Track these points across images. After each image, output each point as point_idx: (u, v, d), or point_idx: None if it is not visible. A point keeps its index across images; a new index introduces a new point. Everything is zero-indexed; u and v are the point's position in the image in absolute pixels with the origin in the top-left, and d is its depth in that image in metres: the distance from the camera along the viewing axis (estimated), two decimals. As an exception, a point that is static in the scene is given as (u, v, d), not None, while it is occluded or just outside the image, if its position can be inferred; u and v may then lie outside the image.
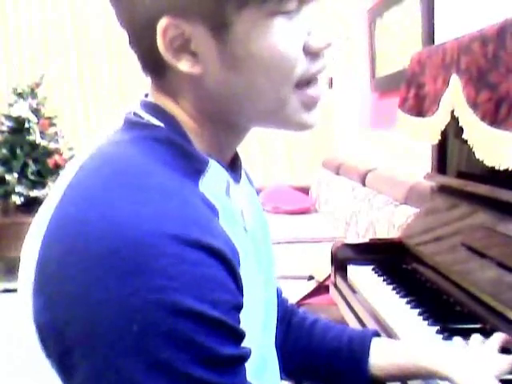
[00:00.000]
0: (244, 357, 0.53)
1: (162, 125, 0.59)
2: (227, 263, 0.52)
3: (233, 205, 0.63)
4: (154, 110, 0.61)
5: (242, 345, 0.54)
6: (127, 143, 0.58)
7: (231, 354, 0.51)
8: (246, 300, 0.56)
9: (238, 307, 0.54)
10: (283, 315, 0.89)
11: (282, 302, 0.90)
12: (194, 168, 0.58)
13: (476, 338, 0.89)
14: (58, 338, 0.50)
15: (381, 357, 0.83)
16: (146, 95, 0.65)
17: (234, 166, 0.67)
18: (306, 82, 0.59)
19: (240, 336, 0.53)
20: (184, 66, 0.57)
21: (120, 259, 0.47)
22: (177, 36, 0.55)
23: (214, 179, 0.60)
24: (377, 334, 0.87)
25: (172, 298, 0.47)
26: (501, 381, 0.78)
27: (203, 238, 0.50)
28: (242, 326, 0.55)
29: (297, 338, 0.88)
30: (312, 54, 0.58)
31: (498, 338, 0.87)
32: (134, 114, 0.61)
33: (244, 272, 0.56)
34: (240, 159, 0.70)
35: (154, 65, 0.60)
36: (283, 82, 0.58)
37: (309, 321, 0.90)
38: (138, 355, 0.47)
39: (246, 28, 0.55)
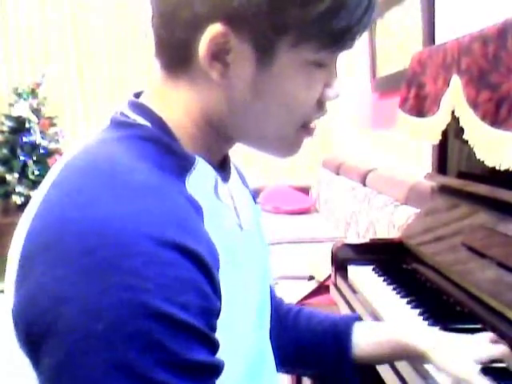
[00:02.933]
0: (215, 367, 0.51)
1: (148, 124, 0.59)
2: (203, 266, 0.51)
3: (222, 203, 0.63)
4: (141, 109, 0.61)
5: (229, 352, 0.53)
6: (112, 142, 0.58)
7: (199, 361, 0.49)
8: (233, 301, 0.56)
9: (213, 312, 0.52)
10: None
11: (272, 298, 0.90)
12: (181, 166, 0.58)
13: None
14: (28, 330, 0.49)
15: (363, 338, 0.84)
16: (136, 95, 0.65)
17: (223, 165, 0.68)
18: (307, 124, 0.63)
19: (212, 344, 0.52)
20: (213, 73, 0.57)
21: (94, 258, 0.47)
22: (220, 43, 0.55)
23: (201, 177, 0.60)
24: (360, 319, 0.88)
25: (141, 298, 0.46)
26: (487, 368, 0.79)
27: (179, 239, 0.50)
28: (227, 327, 0.54)
29: (283, 328, 0.89)
30: (323, 103, 0.62)
31: (486, 335, 0.87)
32: (121, 113, 0.61)
33: (231, 272, 0.56)
34: (229, 159, 0.70)
35: (178, 56, 0.59)
36: (290, 123, 0.61)
37: (294, 311, 0.91)
38: (101, 355, 0.46)
39: (287, 65, 0.57)
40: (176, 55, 0.59)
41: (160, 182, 0.54)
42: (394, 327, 0.86)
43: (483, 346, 0.81)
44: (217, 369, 0.52)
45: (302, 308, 0.92)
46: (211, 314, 0.52)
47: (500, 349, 0.81)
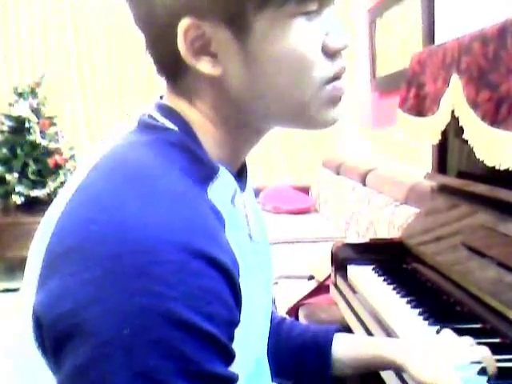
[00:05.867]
0: (231, 380, 0.52)
1: (176, 128, 0.59)
2: (228, 276, 0.51)
3: (237, 212, 0.63)
4: (169, 112, 0.61)
5: (237, 362, 0.53)
6: (141, 145, 0.57)
7: (218, 373, 0.50)
8: (246, 310, 0.55)
9: (233, 323, 0.53)
10: None
11: None
12: (205, 174, 0.58)
13: (448, 332, 0.89)
14: (50, 330, 0.49)
15: (342, 351, 0.85)
16: (161, 97, 0.64)
17: (241, 173, 0.67)
18: (329, 80, 0.60)
19: (230, 356, 0.52)
20: (204, 67, 0.57)
21: (122, 262, 0.47)
22: (197, 37, 0.55)
23: (222, 187, 0.60)
24: (339, 330, 0.88)
25: (167, 306, 0.47)
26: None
27: (208, 249, 0.50)
28: (242, 336, 0.54)
29: None
30: (330, 54, 0.59)
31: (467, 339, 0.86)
32: (149, 116, 0.61)
33: (245, 281, 0.56)
34: (247, 168, 0.70)
35: (172, 67, 0.59)
36: (305, 83, 0.58)
37: (275, 321, 0.90)
38: (125, 360, 0.46)
39: (265, 29, 0.55)
40: (170, 68, 0.60)
41: (186, 189, 0.54)
42: (372, 341, 0.87)
43: (462, 351, 0.80)
44: (232, 382, 0.52)
45: (284, 318, 0.92)
46: (232, 325, 0.53)
47: (478, 353, 0.81)
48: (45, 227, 0.54)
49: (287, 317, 0.99)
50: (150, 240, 0.48)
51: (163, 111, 0.61)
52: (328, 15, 0.59)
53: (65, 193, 0.55)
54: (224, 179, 0.60)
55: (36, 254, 0.53)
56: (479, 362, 0.82)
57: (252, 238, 0.66)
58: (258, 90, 0.58)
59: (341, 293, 1.51)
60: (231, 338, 0.53)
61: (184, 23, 0.55)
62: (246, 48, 0.56)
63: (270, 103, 0.59)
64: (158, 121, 0.60)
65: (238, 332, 0.54)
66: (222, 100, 0.59)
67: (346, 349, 0.85)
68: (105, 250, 0.48)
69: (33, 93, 3.99)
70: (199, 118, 0.60)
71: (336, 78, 0.60)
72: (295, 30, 0.56)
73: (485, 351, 0.81)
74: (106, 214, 0.50)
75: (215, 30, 0.55)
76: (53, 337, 0.49)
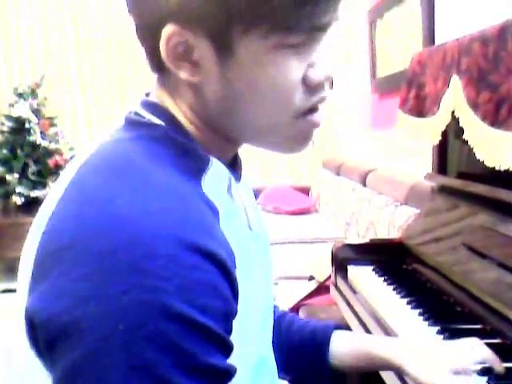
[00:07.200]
0: (229, 372, 0.52)
1: (162, 123, 0.59)
2: (224, 268, 0.51)
3: (235, 203, 0.63)
4: (155, 108, 0.61)
5: (238, 354, 0.53)
6: (128, 142, 0.58)
7: (215, 365, 0.50)
8: (245, 301, 0.55)
9: (231, 314, 0.53)
10: None
11: None
12: (196, 166, 0.58)
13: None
14: (45, 329, 0.49)
15: (341, 348, 0.85)
16: (147, 94, 0.65)
17: (234, 164, 0.67)
18: (305, 112, 0.60)
19: (227, 348, 0.52)
20: (183, 73, 0.57)
21: (115, 258, 0.47)
22: (179, 44, 0.56)
23: (215, 177, 0.60)
24: (339, 327, 0.88)
25: (162, 299, 0.47)
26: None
27: (201, 241, 0.50)
28: (241, 327, 0.54)
29: None
30: (311, 87, 0.58)
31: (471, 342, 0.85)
32: (135, 113, 0.61)
33: (244, 273, 0.56)
34: (240, 158, 0.70)
35: (156, 63, 0.60)
36: (280, 111, 0.58)
37: (276, 315, 0.90)
38: (121, 354, 0.46)
39: (248, 55, 0.55)
40: (154, 65, 0.61)
41: (177, 183, 0.54)
42: (371, 339, 0.87)
43: (462, 354, 0.80)
44: (230, 374, 0.52)
45: (284, 313, 0.92)
46: (229, 316, 0.53)
47: (478, 356, 0.80)
48: (36, 227, 0.54)
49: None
50: (143, 235, 0.48)
51: (149, 107, 0.61)
52: (316, 46, 0.58)
53: (55, 191, 0.55)
54: (217, 169, 0.60)
55: (28, 254, 0.53)
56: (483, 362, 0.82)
57: (252, 228, 0.66)
58: (231, 107, 0.59)
59: (341, 293, 1.51)
60: (228, 330, 0.53)
61: (168, 29, 0.55)
62: (225, 68, 0.56)
63: (241, 122, 0.60)
64: (143, 117, 0.60)
65: (236, 322, 0.54)
66: (200, 104, 0.60)
67: (343, 347, 0.85)
68: (96, 246, 0.48)
69: (33, 93, 3.99)
70: (180, 115, 0.61)
71: (313, 109, 0.60)
72: (277, 62, 0.55)
73: (485, 353, 0.81)
74: (95, 211, 0.50)
75: (199, 40, 0.55)
76: (47, 336, 0.49)
